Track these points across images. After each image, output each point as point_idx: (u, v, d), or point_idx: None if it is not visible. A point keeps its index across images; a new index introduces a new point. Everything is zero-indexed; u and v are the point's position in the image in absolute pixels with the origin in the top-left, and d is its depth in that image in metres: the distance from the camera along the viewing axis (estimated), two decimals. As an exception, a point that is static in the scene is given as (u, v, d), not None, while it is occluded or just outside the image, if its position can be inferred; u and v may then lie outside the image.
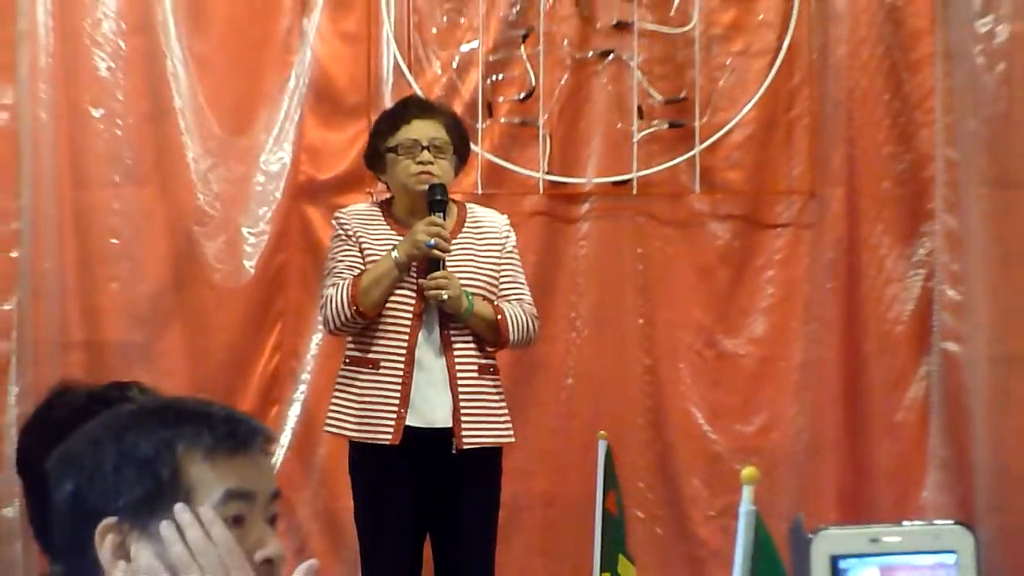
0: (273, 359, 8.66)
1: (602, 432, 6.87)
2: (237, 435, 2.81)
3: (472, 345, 7.11)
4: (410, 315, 7.05)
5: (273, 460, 7.27)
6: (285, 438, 8.46)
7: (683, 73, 8.61)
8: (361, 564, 7.43)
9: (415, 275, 7.01)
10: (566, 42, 8.71)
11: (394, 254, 6.97)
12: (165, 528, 2.55)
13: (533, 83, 8.63)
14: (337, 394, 7.19)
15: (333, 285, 7.09)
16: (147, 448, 2.66)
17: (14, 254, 8.46)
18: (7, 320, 8.55)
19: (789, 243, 8.66)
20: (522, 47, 8.61)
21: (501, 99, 8.62)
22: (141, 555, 2.59)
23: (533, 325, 7.31)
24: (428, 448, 6.97)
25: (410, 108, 7.35)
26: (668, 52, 8.69)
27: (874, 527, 3.12)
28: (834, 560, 2.85)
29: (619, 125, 8.53)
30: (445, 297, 6.85)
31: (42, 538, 3.07)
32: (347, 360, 7.22)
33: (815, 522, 6.90)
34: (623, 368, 8.62)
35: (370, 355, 7.15)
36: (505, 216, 7.49)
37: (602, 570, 6.81)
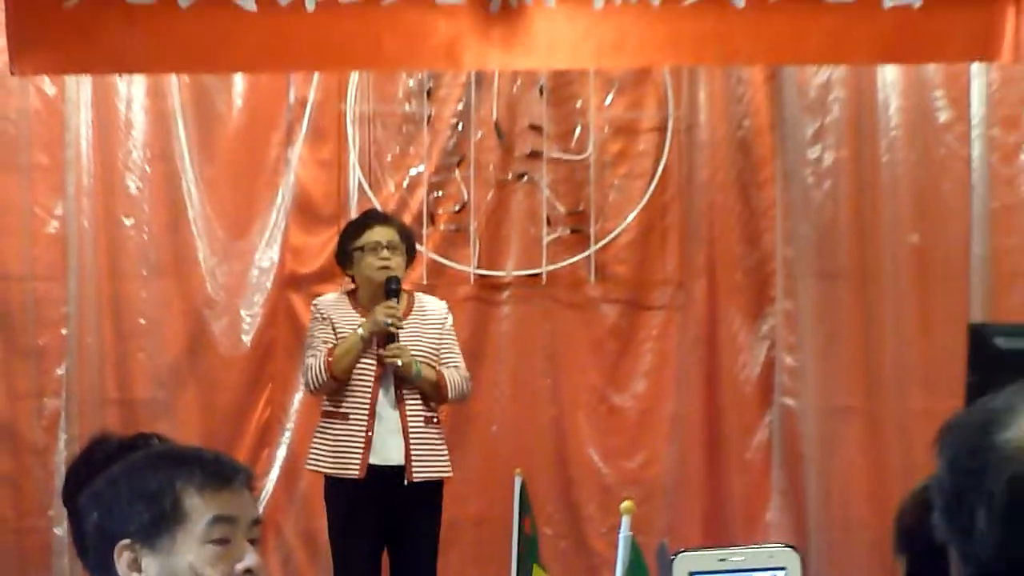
0: (265, 412, 9.76)
1: (518, 469, 7.84)
2: (222, 474, 3.58)
3: (419, 401, 8.20)
4: (371, 377, 8.18)
5: (259, 493, 8.29)
6: (274, 474, 9.58)
7: (581, 191, 9.76)
8: (334, 573, 8.47)
9: (376, 347, 8.13)
10: (491, 167, 9.86)
11: (360, 331, 8.11)
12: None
13: (466, 198, 9.76)
14: (315, 439, 8.35)
15: (312, 356, 8.25)
16: (153, 485, 3.46)
17: (64, 331, 9.67)
18: (58, 382, 9.65)
19: (663, 322, 9.91)
20: (457, 171, 9.83)
21: (440, 211, 9.83)
22: (151, 567, 3.43)
23: (466, 385, 8.48)
24: (386, 481, 8.12)
25: (371, 218, 8.57)
26: (569, 174, 9.82)
27: (722, 550, 3.93)
28: (692, 575, 3.55)
29: (532, 231, 9.80)
30: (399, 364, 8.03)
31: (82, 556, 3.80)
32: (323, 413, 8.36)
33: (681, 542, 8.27)
34: (535, 418, 9.80)
35: (341, 409, 8.29)
36: (444, 302, 8.65)
37: (523, 565, 7.71)
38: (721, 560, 3.47)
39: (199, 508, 3.52)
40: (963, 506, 2.37)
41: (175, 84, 9.81)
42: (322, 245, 9.49)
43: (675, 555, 3.59)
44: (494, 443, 9.52)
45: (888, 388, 9.86)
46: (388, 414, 8.26)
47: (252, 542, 3.55)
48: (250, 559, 3.43)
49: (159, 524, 3.46)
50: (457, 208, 9.82)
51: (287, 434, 9.56)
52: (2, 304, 9.83)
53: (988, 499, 2.31)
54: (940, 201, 10.02)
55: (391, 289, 8.08)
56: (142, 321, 9.79)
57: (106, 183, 9.71)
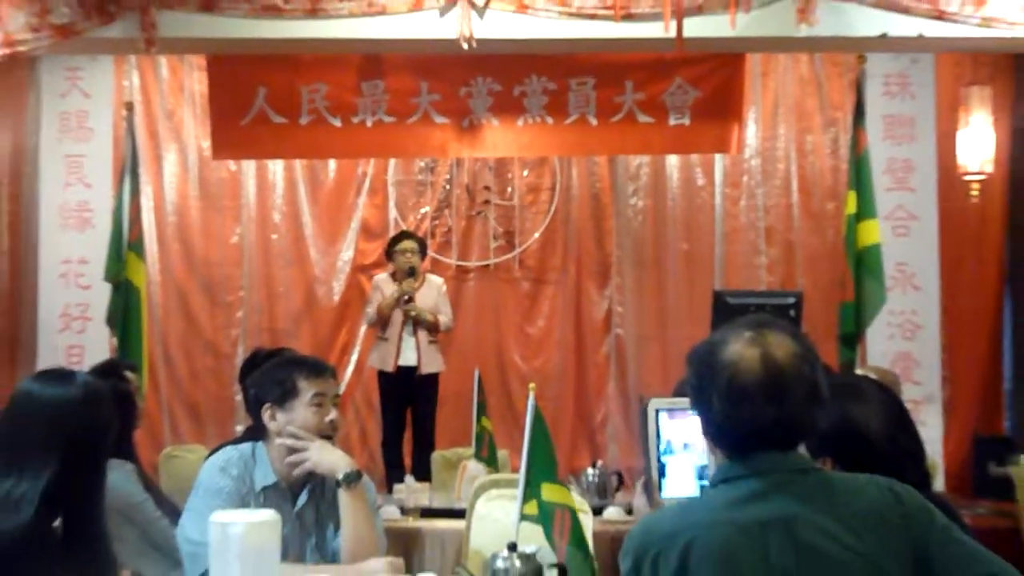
0: (344, 338, 12.44)
1: (477, 368, 9.90)
2: (319, 369, 4.98)
3: (425, 331, 10.84)
4: (400, 319, 10.79)
5: (340, 380, 11.26)
6: (349, 370, 12.23)
7: (511, 221, 12.45)
8: (382, 421, 11.13)
9: (403, 303, 10.71)
10: (463, 208, 12.55)
11: (395, 294, 10.72)
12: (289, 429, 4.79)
13: (450, 224, 12.48)
14: (372, 352, 11.20)
15: (370, 307, 11.09)
16: (282, 375, 4.88)
17: (241, 293, 12.35)
18: (238, 321, 12.30)
19: (553, 290, 12.53)
20: (446, 210, 12.51)
21: (437, 230, 12.46)
22: (280, 418, 4.82)
23: (451, 323, 11.17)
24: (408, 373, 10.85)
25: (402, 234, 11.20)
26: (505, 212, 12.52)
27: (674, 399, 4.41)
28: (656, 410, 4.17)
29: (484, 241, 12.49)
30: (414, 313, 10.74)
31: (248, 412, 5.25)
32: (376, 336, 11.09)
33: (561, 408, 12.00)
34: (486, 340, 12.40)
35: (384, 335, 10.95)
36: (440, 278, 11.38)
37: (478, 418, 8.92)
38: (671, 401, 4.07)
39: (306, 387, 4.87)
40: (704, 394, 3.22)
41: (298, 164, 12.40)
42: (375, 249, 12.26)
43: (646, 399, 4.27)
44: (464, 354, 11.97)
45: (673, 326, 12.34)
46: (408, 338, 10.85)
47: (335, 406, 4.97)
48: (333, 414, 4.91)
49: (285, 396, 4.86)
50: (446, 229, 12.61)
51: (356, 349, 12.38)
52: (212, 279, 12.46)
53: (717, 389, 3.17)
54: (699, 226, 12.45)
55: (411, 273, 10.79)
56: (282, 288, 12.52)
57: (262, 216, 12.47)
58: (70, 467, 3.52)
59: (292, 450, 4.76)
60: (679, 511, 3.14)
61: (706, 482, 3.41)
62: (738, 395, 3.10)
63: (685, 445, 3.69)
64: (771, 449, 3.13)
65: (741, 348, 3.12)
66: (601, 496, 7.61)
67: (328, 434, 4.80)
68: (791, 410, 3.10)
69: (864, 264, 10.17)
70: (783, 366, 3.10)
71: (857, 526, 2.98)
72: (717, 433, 3.21)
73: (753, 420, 3.09)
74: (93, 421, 3.68)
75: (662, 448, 3.67)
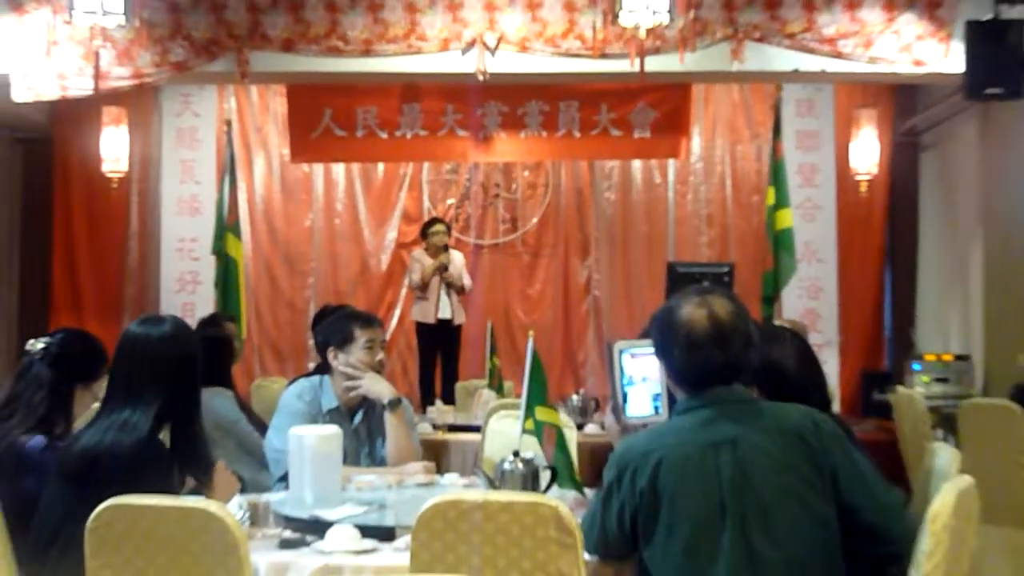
0: (390, 297, 12.21)
1: (489, 320, 10.05)
2: (370, 321, 5.03)
3: (455, 292, 10.64)
4: (437, 283, 10.52)
5: (387, 329, 10.83)
6: (393, 323, 11.96)
7: (516, 209, 12.40)
8: (419, 362, 10.96)
9: (440, 272, 10.47)
10: (480, 200, 12.42)
11: (432, 264, 10.48)
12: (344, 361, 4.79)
13: (470, 212, 12.40)
14: (414, 307, 10.90)
15: (413, 274, 10.74)
16: (343, 325, 4.95)
17: (311, 264, 12.22)
18: (309, 287, 12.20)
19: (546, 261, 12.44)
20: (466, 201, 12.44)
21: (459, 216, 12.30)
22: (341, 359, 4.83)
23: (470, 286, 10.88)
24: (443, 324, 10.65)
25: (434, 219, 11.03)
26: (510, 203, 12.43)
27: (635, 341, 3.94)
28: (620, 351, 3.75)
29: (495, 225, 12.41)
30: (449, 279, 10.52)
31: (319, 352, 5.21)
32: (416, 298, 10.77)
33: (553, 350, 11.56)
34: (496, 299, 12.15)
35: (424, 295, 10.62)
36: (461, 253, 11.13)
37: (490, 358, 8.99)
38: (636, 345, 3.72)
39: (360, 335, 4.93)
40: (667, 348, 3.31)
41: (355, 167, 12.35)
42: (413, 231, 12.04)
43: (614, 343, 3.86)
44: (479, 310, 11.65)
45: (636, 289, 12.20)
46: (444, 298, 10.65)
47: (382, 349, 5.02)
48: (380, 355, 4.97)
49: (345, 341, 4.92)
50: (466, 216, 12.49)
51: (399, 307, 12.19)
52: (291, 253, 12.34)
53: (677, 343, 3.25)
54: (656, 214, 12.36)
55: (444, 248, 10.72)
56: (342, 260, 12.40)
57: (328, 206, 12.46)
58: (171, 391, 3.54)
59: (350, 381, 4.82)
60: (651, 435, 3.22)
61: (659, 404, 3.59)
62: (693, 346, 3.20)
63: (643, 378, 3.65)
64: (718, 385, 3.21)
65: (692, 310, 3.21)
66: (583, 416, 7.66)
67: (377, 370, 4.86)
68: (732, 354, 3.21)
69: (780, 242, 10.18)
70: (725, 322, 3.20)
71: (784, 443, 3.08)
72: (679, 376, 3.28)
73: (705, 363, 3.20)
74: (183, 351, 3.65)
75: (625, 380, 3.63)
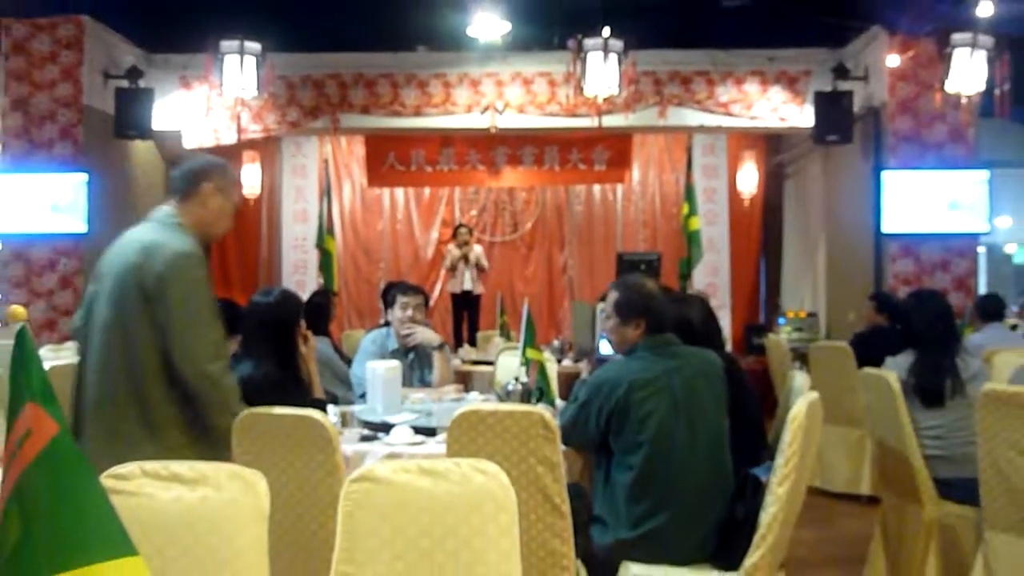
0: (433, 278, 11.70)
1: (499, 292, 10.13)
2: (415, 290, 4.80)
3: (477, 273, 10.03)
4: (463, 266, 9.98)
5: (430, 298, 10.50)
6: (436, 293, 11.49)
7: (516, 219, 11.99)
8: (452, 317, 10.29)
9: (463, 259, 9.93)
10: (492, 210, 12.03)
11: (463, 252, 9.92)
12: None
13: (486, 220, 11.98)
14: (449, 283, 10.32)
15: (448, 260, 10.14)
16: (392, 293, 4.79)
17: (381, 263, 11.80)
18: (380, 269, 11.72)
19: (537, 254, 11.94)
20: (484, 213, 12.01)
21: (479, 223, 11.84)
22: (390, 314, 4.77)
23: (487, 267, 10.22)
24: (465, 294, 10.08)
25: (462, 225, 10.43)
26: (512, 215, 12.00)
27: (599, 303, 3.99)
28: (592, 309, 3.88)
29: (504, 229, 12.00)
30: (472, 263, 9.96)
31: (385, 308, 5.12)
32: (449, 275, 10.31)
33: (544, 312, 10.91)
34: (504, 278, 11.64)
35: (455, 274, 10.10)
36: (480, 246, 10.43)
37: (500, 316, 9.22)
38: (603, 306, 3.41)
39: (399, 299, 4.75)
40: (632, 311, 3.19)
41: (411, 190, 11.90)
42: (448, 232, 11.37)
43: (581, 303, 4.03)
44: (492, 284, 10.87)
45: (597, 271, 11.68)
46: (467, 275, 10.07)
47: (417, 311, 4.78)
48: (410, 312, 4.72)
49: (390, 303, 4.84)
50: (483, 222, 12.05)
51: (439, 283, 11.62)
52: (368, 248, 11.95)
53: (651, 308, 3.19)
54: (610, 220, 11.97)
55: (467, 244, 10.08)
56: (401, 252, 12.04)
57: (392, 216, 12.09)
58: (281, 342, 3.50)
59: (407, 331, 4.76)
60: (620, 366, 3.15)
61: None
62: (660, 311, 3.24)
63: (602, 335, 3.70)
64: (659, 333, 3.19)
65: (652, 288, 3.29)
66: (560, 354, 7.58)
67: (416, 320, 4.76)
68: (665, 312, 3.24)
69: (691, 239, 10.12)
70: (656, 293, 3.23)
71: (701, 378, 3.10)
72: (649, 327, 3.21)
73: (653, 319, 3.20)
74: (285, 313, 3.57)
75: (599, 331, 3.72)
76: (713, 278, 11.53)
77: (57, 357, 5.30)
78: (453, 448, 2.84)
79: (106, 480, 1.86)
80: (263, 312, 3.58)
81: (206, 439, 2.69)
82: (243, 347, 3.59)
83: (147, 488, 1.87)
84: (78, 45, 8.54)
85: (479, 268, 10.19)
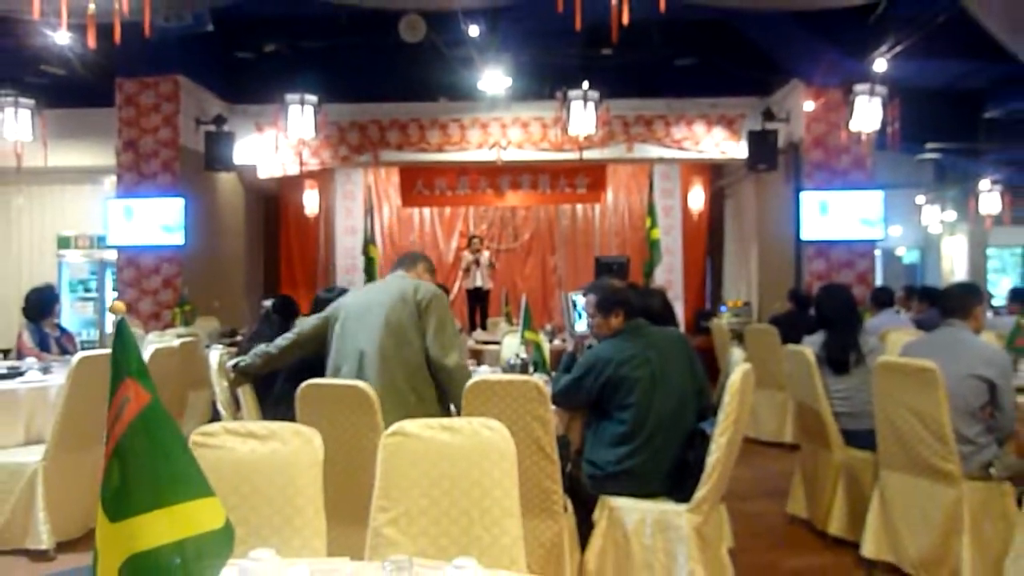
0: (454, 276, 10.97)
1: (504, 288, 10.09)
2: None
3: (488, 272, 9.66)
4: (475, 268, 9.59)
5: (451, 292, 10.57)
6: (456, 289, 10.77)
7: (515, 232, 11.62)
8: (468, 307, 9.83)
9: (475, 263, 9.65)
10: (499, 224, 11.72)
11: (475, 258, 9.59)
12: None
13: (494, 231, 11.64)
14: (466, 280, 9.80)
15: (464, 263, 9.71)
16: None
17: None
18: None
19: (534, 259, 11.60)
20: (492, 226, 11.69)
21: (488, 233, 11.45)
22: None
23: (495, 269, 9.91)
24: (479, 289, 9.68)
25: (474, 237, 10.02)
26: (516, 227, 11.69)
27: (576, 291, 3.86)
28: (573, 299, 3.77)
29: (505, 242, 11.63)
30: (483, 264, 9.58)
31: None
32: (464, 275, 9.86)
33: (541, 294, 10.74)
34: (507, 275, 11.19)
35: (468, 275, 9.71)
36: (488, 251, 10.11)
37: (505, 305, 9.22)
38: (576, 294, 3.59)
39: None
40: (611, 305, 3.12)
41: (436, 209, 11.60)
42: (464, 242, 10.84)
43: (567, 293, 3.91)
44: (498, 282, 10.48)
45: (580, 270, 11.19)
46: (478, 274, 9.70)
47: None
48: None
49: None
50: (493, 233, 11.73)
51: (458, 281, 10.79)
52: (396, 256, 12.14)
53: (625, 300, 3.13)
54: (590, 231, 11.65)
55: (478, 251, 9.79)
56: (428, 256, 12.53)
57: (421, 228, 11.77)
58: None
59: None
60: (608, 347, 3.10)
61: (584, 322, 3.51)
62: (630, 301, 3.20)
63: (580, 314, 3.66)
64: (633, 319, 3.15)
65: (624, 287, 3.34)
66: (552, 335, 7.43)
67: None
68: (635, 303, 3.20)
69: (652, 246, 9.94)
70: (623, 288, 3.26)
71: (669, 351, 3.07)
72: (626, 315, 3.17)
73: (628, 309, 3.16)
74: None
75: (577, 312, 3.67)
76: (670, 276, 11.39)
77: (160, 340, 5.33)
78: (467, 409, 2.81)
79: (196, 436, 1.87)
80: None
81: (445, 402, 2.99)
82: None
83: (228, 443, 1.88)
84: (175, 98, 8.58)
85: (490, 267, 9.99)
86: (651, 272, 10.01)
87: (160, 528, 0.95)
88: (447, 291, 5.09)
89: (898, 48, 6.96)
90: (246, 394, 3.39)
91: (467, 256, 10.11)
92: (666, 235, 11.13)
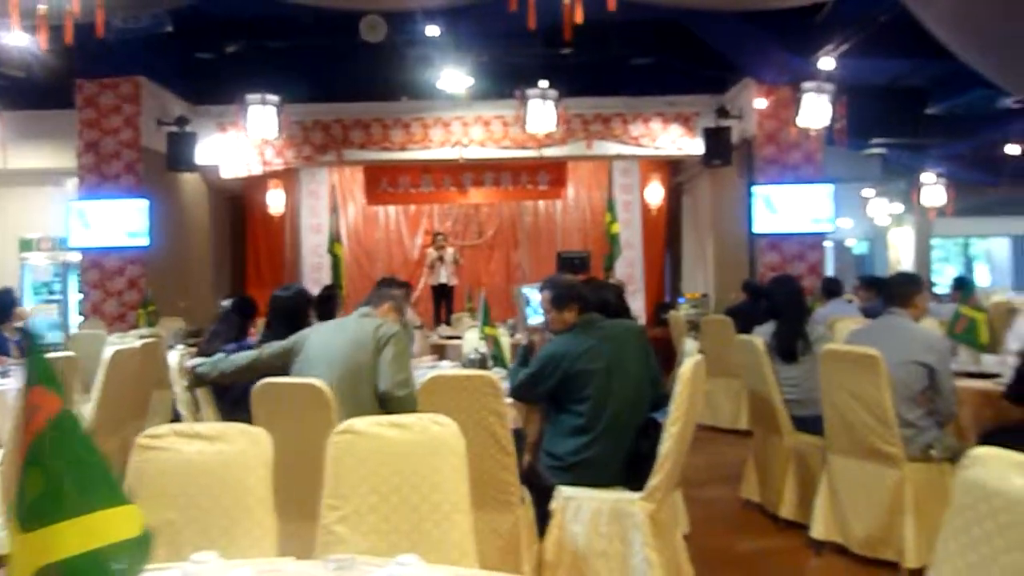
0: (419, 272, 10.79)
1: (468, 287, 9.90)
2: (393, 283, 7.47)
3: (452, 267, 9.73)
4: (439, 265, 9.61)
5: (416, 289, 10.69)
6: (421, 285, 10.67)
7: (480, 228, 11.56)
8: (433, 303, 9.88)
9: (439, 259, 9.74)
10: (463, 221, 11.65)
11: (439, 255, 9.66)
12: None
13: (458, 228, 11.52)
14: (431, 277, 9.84)
15: (428, 260, 9.65)
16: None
17: (379, 257, 11.50)
18: (378, 267, 11.61)
19: (499, 253, 11.51)
20: (456, 223, 11.58)
21: (452, 230, 11.29)
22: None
23: (459, 265, 9.88)
24: (443, 286, 9.56)
25: (438, 234, 10.02)
26: (480, 223, 11.60)
27: (534, 284, 3.73)
28: (526, 292, 3.78)
29: (471, 237, 11.56)
30: (448, 260, 9.69)
31: None
32: (429, 271, 9.86)
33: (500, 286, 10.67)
34: (471, 270, 10.95)
35: (433, 271, 9.69)
36: (453, 248, 10.00)
37: (468, 301, 8.88)
38: (530, 288, 3.49)
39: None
40: (565, 300, 3.05)
41: (400, 207, 11.45)
42: (428, 239, 10.70)
43: (519, 288, 4.00)
44: (463, 278, 10.22)
45: (541, 265, 11.03)
46: (443, 271, 9.66)
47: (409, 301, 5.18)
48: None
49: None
50: (458, 230, 11.60)
51: (423, 277, 10.60)
52: (369, 252, 11.47)
53: (579, 294, 3.09)
54: (551, 226, 11.63)
55: (443, 247, 9.71)
56: (394, 254, 11.52)
57: (386, 226, 11.69)
58: (295, 326, 3.33)
59: None
60: (564, 341, 3.07)
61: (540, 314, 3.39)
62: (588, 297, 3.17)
63: (534, 310, 3.63)
64: (587, 312, 3.12)
65: (578, 282, 3.28)
66: (513, 330, 7.33)
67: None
68: (589, 297, 3.16)
69: (612, 240, 9.95)
70: (576, 283, 3.21)
71: (623, 343, 3.04)
72: (580, 310, 3.12)
73: (582, 303, 3.11)
74: (298, 304, 3.55)
75: (531, 305, 3.64)
76: (630, 269, 11.41)
77: (121, 342, 5.12)
78: (424, 404, 2.77)
79: (143, 439, 1.83)
80: (282, 303, 3.53)
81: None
82: (266, 328, 3.52)
83: (175, 444, 1.83)
84: (136, 99, 8.44)
85: (455, 263, 9.86)
86: (611, 266, 10.01)
87: (74, 538, 0.91)
88: (409, 290, 4.97)
89: (843, 47, 7.02)
90: (204, 395, 3.34)
91: (431, 253, 9.98)
92: (626, 229, 11.12)
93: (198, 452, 1.82)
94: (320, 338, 3.09)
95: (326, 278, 11.01)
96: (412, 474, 1.80)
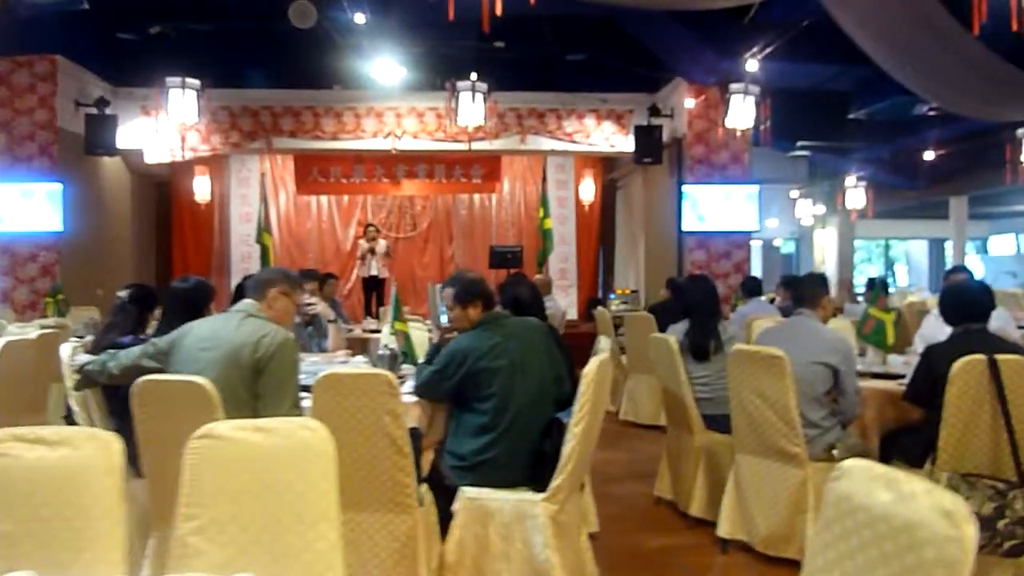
0: (351, 264, 10.78)
1: (428, 283, 10.30)
2: (304, 276, 4.86)
3: (383, 260, 9.54)
4: (371, 257, 9.31)
5: (348, 282, 10.71)
6: (353, 277, 10.68)
7: (414, 222, 11.33)
8: (364, 296, 9.73)
9: (370, 251, 9.94)
10: (396, 213, 11.36)
11: (370, 247, 9.57)
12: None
13: (392, 220, 11.33)
14: (361, 269, 9.56)
15: (360, 252, 9.51)
16: (301, 276, 4.33)
17: (310, 248, 11.69)
18: (309, 257, 11.82)
19: (458, 247, 11.48)
20: (390, 215, 11.31)
21: (386, 223, 11.14)
22: (295, 295, 3.17)
23: (390, 258, 9.71)
24: (374, 278, 9.45)
25: (370, 225, 9.86)
26: (414, 216, 11.37)
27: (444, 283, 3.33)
28: (436, 288, 3.49)
29: (404, 230, 11.35)
30: (378, 253, 9.58)
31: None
32: (360, 263, 9.62)
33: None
34: (408, 265, 11.05)
35: (364, 263, 9.45)
36: (386, 240, 9.99)
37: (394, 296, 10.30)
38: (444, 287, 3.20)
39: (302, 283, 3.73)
40: (468, 297, 3.03)
41: (332, 197, 11.19)
42: (361, 230, 10.22)
43: (433, 285, 3.83)
44: (393, 271, 10.20)
45: (476, 258, 10.92)
46: (374, 263, 9.35)
47: (307, 292, 5.13)
48: (305, 295, 4.24)
49: (296, 287, 4.12)
50: (391, 222, 11.37)
51: (356, 269, 10.24)
52: (299, 243, 11.16)
53: (482, 291, 3.03)
54: (486, 220, 11.42)
55: (374, 238, 9.47)
56: (325, 245, 11.28)
57: (318, 216, 11.33)
58: (192, 319, 3.10)
59: (308, 306, 4.54)
60: (469, 339, 2.99)
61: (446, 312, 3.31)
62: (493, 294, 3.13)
63: (444, 309, 3.54)
64: (497, 308, 3.13)
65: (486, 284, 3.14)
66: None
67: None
68: (492, 293, 3.11)
69: (545, 235, 9.98)
70: (480, 280, 3.11)
71: (528, 340, 2.98)
72: (484, 307, 3.07)
73: (486, 300, 3.07)
74: (197, 296, 3.36)
75: (441, 304, 3.56)
76: (564, 264, 11.42)
77: (22, 332, 4.91)
78: (316, 403, 2.64)
79: (-20, 443, 1.67)
80: (180, 295, 3.35)
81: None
82: (163, 320, 3.35)
83: (15, 450, 1.67)
84: (52, 79, 8.09)
85: (386, 255, 9.72)
86: (544, 260, 9.98)
87: None
88: (321, 282, 5.05)
89: (769, 50, 7.12)
90: (92, 393, 3.15)
91: (363, 244, 9.83)
92: (561, 225, 11.11)
93: (39, 459, 1.65)
94: (191, 346, 2.80)
95: (255, 268, 10.72)
96: (275, 482, 1.68)
